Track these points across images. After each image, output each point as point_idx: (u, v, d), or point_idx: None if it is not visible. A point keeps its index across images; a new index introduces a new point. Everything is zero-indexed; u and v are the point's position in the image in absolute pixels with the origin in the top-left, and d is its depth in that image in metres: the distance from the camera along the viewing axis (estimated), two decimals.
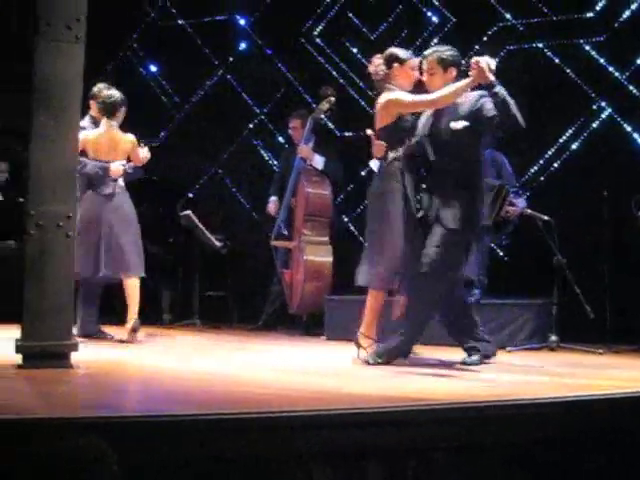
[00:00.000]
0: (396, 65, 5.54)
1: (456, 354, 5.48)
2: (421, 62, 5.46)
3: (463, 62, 5.43)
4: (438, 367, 5.32)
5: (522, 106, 5.16)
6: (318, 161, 7.99)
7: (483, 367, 5.24)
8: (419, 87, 5.54)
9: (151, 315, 8.57)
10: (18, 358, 4.65)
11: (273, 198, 8.32)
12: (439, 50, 5.40)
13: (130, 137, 6.77)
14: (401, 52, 5.62)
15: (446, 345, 5.82)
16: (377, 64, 5.58)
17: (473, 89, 5.22)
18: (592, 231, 6.95)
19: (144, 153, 6.81)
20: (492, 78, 5.04)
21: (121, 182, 6.70)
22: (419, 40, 8.49)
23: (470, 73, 5.06)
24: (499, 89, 5.04)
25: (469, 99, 5.23)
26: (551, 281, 6.49)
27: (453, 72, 5.33)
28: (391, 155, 5.48)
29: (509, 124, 5.10)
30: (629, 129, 7.48)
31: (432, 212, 5.18)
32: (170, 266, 8.79)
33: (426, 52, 5.45)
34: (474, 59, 5.06)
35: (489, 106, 5.13)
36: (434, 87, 5.32)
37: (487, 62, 5.02)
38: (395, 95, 5.42)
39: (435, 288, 5.11)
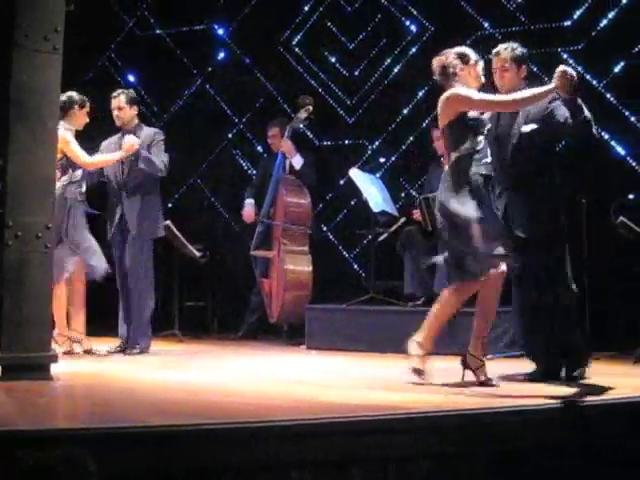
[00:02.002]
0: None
1: (438, 363, 5.47)
2: (491, 60, 5.17)
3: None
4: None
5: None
6: (297, 160, 7.98)
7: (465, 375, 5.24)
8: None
9: None
10: None
11: (249, 201, 8.19)
12: (512, 47, 5.14)
13: (61, 133, 6.01)
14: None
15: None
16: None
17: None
18: (570, 238, 6.97)
19: (130, 140, 6.54)
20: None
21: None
22: (398, 49, 8.53)
23: (553, 81, 4.72)
24: (580, 101, 4.81)
25: (538, 103, 4.98)
26: None
27: (525, 70, 5.15)
28: (453, 155, 4.93)
29: (583, 130, 4.97)
30: (607, 136, 7.52)
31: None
32: None
33: (497, 49, 5.18)
34: (562, 68, 4.70)
35: (560, 112, 4.93)
36: (506, 85, 5.08)
37: (573, 74, 4.68)
38: (464, 91, 4.90)
39: None
